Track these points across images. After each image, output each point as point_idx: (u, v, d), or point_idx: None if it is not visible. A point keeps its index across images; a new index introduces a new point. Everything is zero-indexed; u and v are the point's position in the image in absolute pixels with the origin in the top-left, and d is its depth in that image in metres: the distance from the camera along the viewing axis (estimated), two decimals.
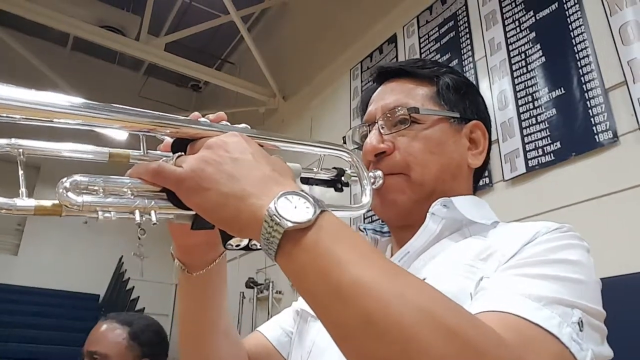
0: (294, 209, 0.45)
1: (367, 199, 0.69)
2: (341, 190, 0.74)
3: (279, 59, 5.92)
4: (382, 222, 0.84)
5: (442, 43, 3.59)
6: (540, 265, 0.55)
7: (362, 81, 4.40)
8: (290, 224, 0.44)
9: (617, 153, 2.34)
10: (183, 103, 8.40)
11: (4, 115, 0.45)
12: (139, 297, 6.84)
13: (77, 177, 0.49)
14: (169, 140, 0.57)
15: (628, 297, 2.04)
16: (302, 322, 0.80)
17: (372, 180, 0.73)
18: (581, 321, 0.50)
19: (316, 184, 0.73)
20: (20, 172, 0.48)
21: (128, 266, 7.53)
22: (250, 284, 5.01)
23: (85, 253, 7.63)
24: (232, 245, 0.56)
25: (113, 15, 5.90)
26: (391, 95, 0.79)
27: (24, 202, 0.46)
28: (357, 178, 0.73)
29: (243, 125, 0.60)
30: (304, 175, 0.70)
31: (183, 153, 0.55)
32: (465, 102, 0.80)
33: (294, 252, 0.44)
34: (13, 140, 0.49)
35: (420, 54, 3.78)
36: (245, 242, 0.57)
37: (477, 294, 0.56)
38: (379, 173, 0.73)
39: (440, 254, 0.68)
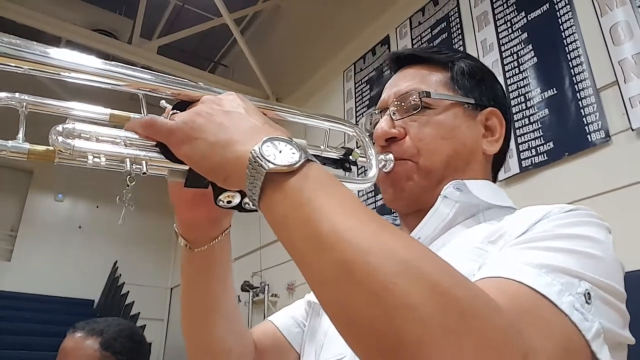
0: (279, 153, 0.44)
1: (373, 172, 0.68)
2: (349, 169, 0.72)
3: (272, 62, 5.92)
4: (395, 215, 0.82)
5: (434, 44, 3.61)
6: (548, 239, 0.50)
7: (355, 83, 4.40)
8: (272, 166, 0.43)
9: (609, 152, 2.36)
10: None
11: (13, 65, 0.46)
12: (133, 302, 6.80)
13: (71, 125, 0.50)
14: (169, 107, 0.57)
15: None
16: (315, 314, 0.79)
17: (383, 164, 0.71)
18: (588, 293, 0.46)
19: (323, 163, 0.70)
20: (22, 120, 0.49)
21: (122, 271, 7.49)
22: (246, 287, 5.00)
23: (79, 258, 7.58)
24: (223, 202, 0.55)
25: (105, 18, 5.88)
26: (404, 82, 0.77)
27: (17, 144, 0.47)
28: (364, 158, 0.71)
29: (230, 92, 0.59)
30: (309, 151, 0.70)
31: (179, 112, 0.56)
32: (481, 88, 0.77)
33: (275, 197, 0.43)
34: (17, 95, 0.50)
35: None
36: (237, 200, 0.55)
37: (481, 268, 0.52)
38: (390, 156, 0.71)
39: (452, 241, 0.65)
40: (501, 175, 2.78)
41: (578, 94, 2.52)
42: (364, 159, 0.70)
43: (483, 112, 0.76)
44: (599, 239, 0.52)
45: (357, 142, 0.74)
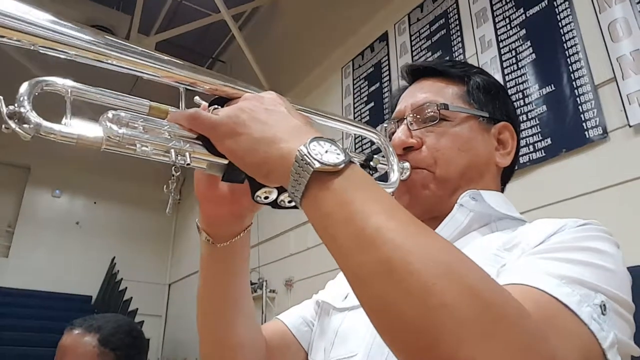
0: (325, 153, 0.46)
1: (395, 177, 0.70)
2: (370, 175, 0.74)
3: (270, 58, 5.91)
4: None
5: (433, 41, 3.61)
6: (565, 250, 0.53)
7: (353, 79, 4.40)
8: (319, 164, 0.44)
9: (607, 149, 2.36)
10: (174, 102, 8.35)
11: (60, 50, 0.48)
12: (131, 298, 6.80)
13: (121, 113, 0.51)
14: (205, 104, 0.59)
15: None
16: (324, 314, 0.80)
17: (400, 171, 0.73)
18: (604, 305, 0.48)
19: None
20: (68, 106, 0.50)
21: (120, 267, 7.49)
22: None
23: (76, 254, 7.58)
24: (260, 198, 0.56)
25: (103, 14, 5.86)
26: (421, 93, 0.80)
27: (68, 129, 0.48)
28: (384, 165, 0.72)
29: (270, 92, 0.61)
30: None
31: (219, 107, 0.57)
32: (495, 103, 0.80)
33: (320, 196, 0.45)
34: (62, 81, 0.52)
35: (412, 51, 3.79)
36: (274, 195, 0.56)
37: (499, 275, 0.54)
38: (407, 165, 0.74)
39: (468, 246, 0.67)
40: None
41: (576, 91, 2.53)
42: (384, 166, 0.72)
43: (496, 126, 0.79)
44: (612, 253, 0.54)
45: (376, 148, 0.75)
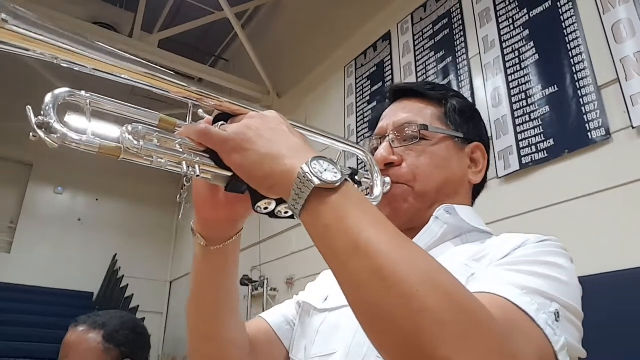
0: (325, 171, 0.51)
1: (378, 191, 0.76)
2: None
3: (273, 56, 5.91)
4: None
5: (436, 40, 3.60)
6: (527, 264, 0.60)
7: (356, 78, 4.40)
8: (319, 182, 0.50)
9: (610, 150, 2.36)
10: (176, 100, 8.37)
11: (78, 62, 0.53)
12: (133, 294, 6.82)
13: (139, 126, 0.56)
14: (209, 117, 0.64)
15: (622, 293, 2.05)
16: (305, 314, 0.85)
17: (382, 186, 0.78)
18: (558, 313, 0.55)
19: None
20: (88, 116, 0.54)
21: (122, 264, 7.51)
22: (245, 281, 5.01)
23: (78, 251, 7.60)
24: (260, 208, 0.61)
25: (106, 11, 5.86)
26: (402, 113, 0.87)
27: (91, 139, 0.52)
28: (368, 179, 0.77)
29: (271, 111, 0.67)
30: None
31: (225, 123, 0.62)
32: (469, 125, 0.88)
33: (319, 209, 0.50)
34: (83, 92, 0.56)
35: (415, 51, 3.78)
36: (272, 206, 0.61)
37: (468, 283, 0.61)
38: (388, 179, 0.80)
39: (442, 255, 0.74)
40: (501, 172, 2.80)
41: (579, 92, 2.52)
42: (367, 180, 0.77)
43: (470, 146, 0.87)
44: (567, 267, 0.62)
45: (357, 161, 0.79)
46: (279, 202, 0.60)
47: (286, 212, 0.61)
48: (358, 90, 4.33)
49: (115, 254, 7.70)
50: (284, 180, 0.53)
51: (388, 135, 0.85)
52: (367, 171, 0.78)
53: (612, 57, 2.39)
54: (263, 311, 0.92)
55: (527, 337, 0.51)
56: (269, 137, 0.56)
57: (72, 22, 4.99)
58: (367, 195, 0.75)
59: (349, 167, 0.75)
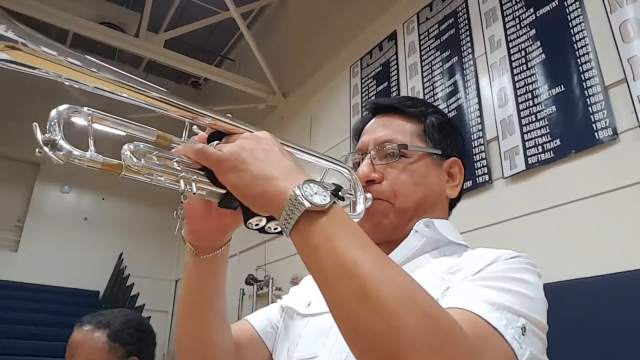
0: (314, 194, 0.54)
1: (360, 208, 0.80)
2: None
3: (279, 56, 5.91)
4: None
5: (442, 40, 3.59)
6: (498, 280, 0.65)
7: (361, 78, 4.39)
8: (309, 204, 0.53)
9: (617, 150, 2.34)
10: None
11: (82, 81, 0.54)
12: (138, 293, 6.85)
13: (140, 144, 0.58)
14: (203, 134, 0.67)
15: (629, 294, 2.04)
16: (288, 318, 0.89)
17: (364, 202, 0.81)
18: (524, 327, 0.60)
19: None
20: (90, 132, 0.56)
21: (128, 263, 7.54)
22: (250, 280, 5.02)
23: (84, 250, 7.64)
24: (252, 225, 0.64)
25: (113, 11, 5.89)
26: (383, 130, 0.90)
27: (94, 157, 0.54)
28: (351, 195, 0.81)
29: (264, 132, 0.70)
30: None
31: (219, 142, 0.65)
32: (447, 141, 0.91)
33: (308, 230, 0.53)
34: (85, 109, 0.58)
35: (420, 51, 3.78)
36: (263, 223, 0.64)
37: (444, 296, 0.65)
38: (369, 195, 0.84)
39: (419, 267, 0.78)
40: (507, 172, 2.79)
41: (586, 92, 2.51)
42: (350, 196, 0.81)
43: (447, 161, 0.91)
44: (534, 283, 0.67)
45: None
46: (269, 219, 0.63)
47: (275, 229, 0.64)
48: (364, 90, 4.32)
49: (121, 253, 7.73)
50: (276, 200, 0.56)
51: (369, 152, 0.88)
52: (350, 187, 0.82)
53: (619, 57, 2.38)
54: None
55: (496, 351, 0.56)
56: (262, 158, 0.60)
57: (78, 22, 5.01)
58: (350, 211, 0.78)
59: (333, 184, 0.79)
